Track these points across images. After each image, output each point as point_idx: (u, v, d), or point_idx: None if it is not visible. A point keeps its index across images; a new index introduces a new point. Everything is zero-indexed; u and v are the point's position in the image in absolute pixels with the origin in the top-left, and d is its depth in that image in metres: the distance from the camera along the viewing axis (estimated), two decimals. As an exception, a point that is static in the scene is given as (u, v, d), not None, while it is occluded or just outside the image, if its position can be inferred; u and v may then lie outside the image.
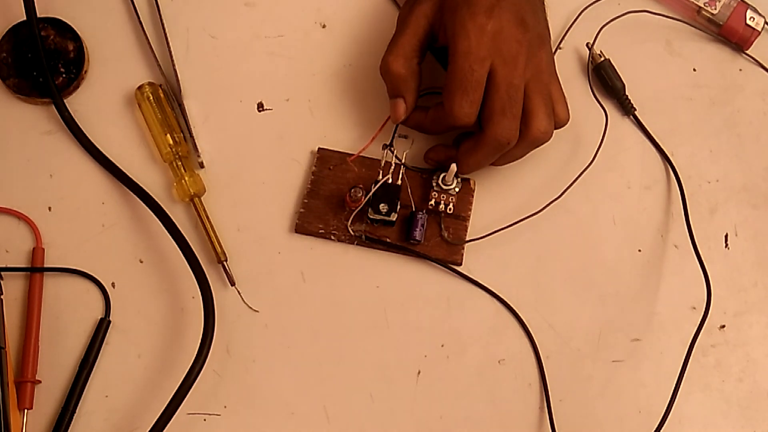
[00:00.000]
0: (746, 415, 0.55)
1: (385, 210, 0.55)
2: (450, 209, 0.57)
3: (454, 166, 0.55)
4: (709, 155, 0.60)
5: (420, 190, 0.57)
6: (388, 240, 0.57)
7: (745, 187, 0.59)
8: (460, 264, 0.57)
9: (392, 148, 0.57)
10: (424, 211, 0.56)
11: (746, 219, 0.59)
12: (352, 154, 0.57)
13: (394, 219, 0.56)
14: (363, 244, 0.57)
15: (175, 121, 0.58)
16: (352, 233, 0.56)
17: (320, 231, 0.57)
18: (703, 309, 0.55)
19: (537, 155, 0.58)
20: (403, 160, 0.57)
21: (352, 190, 0.55)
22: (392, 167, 0.56)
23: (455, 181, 0.56)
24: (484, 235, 0.56)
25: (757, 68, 0.62)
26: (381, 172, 0.56)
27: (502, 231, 0.56)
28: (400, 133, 0.58)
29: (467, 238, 0.57)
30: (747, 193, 0.59)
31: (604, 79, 0.60)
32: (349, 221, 0.56)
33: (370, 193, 0.55)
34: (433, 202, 0.56)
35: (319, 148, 0.58)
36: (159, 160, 0.58)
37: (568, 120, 0.55)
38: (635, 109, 0.60)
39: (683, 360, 0.54)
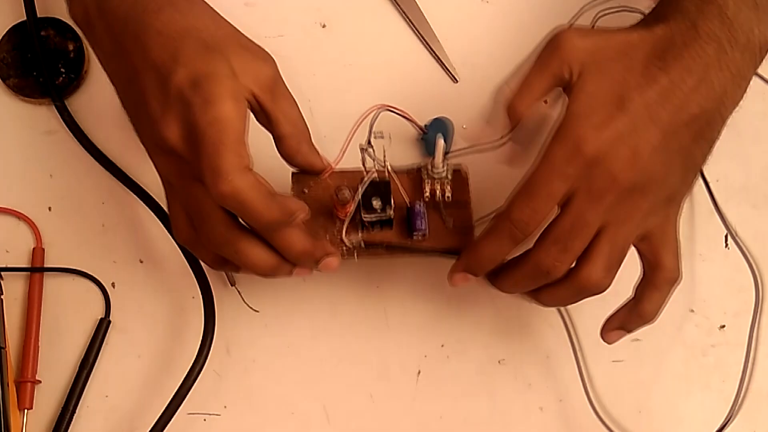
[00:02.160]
0: (746, 415, 0.55)
1: (379, 206, 0.50)
2: (448, 197, 0.52)
3: (441, 142, 0.51)
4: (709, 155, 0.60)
5: (411, 188, 0.53)
6: (390, 243, 0.52)
7: (745, 187, 0.59)
8: None
9: (370, 147, 0.52)
10: (422, 203, 0.52)
11: (746, 219, 0.59)
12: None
13: (392, 215, 0.51)
14: (364, 254, 0.52)
15: (175, 121, 0.58)
16: (349, 245, 0.51)
17: None
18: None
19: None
20: (384, 161, 0.52)
21: (338, 191, 0.50)
22: (375, 165, 0.52)
23: (445, 166, 0.52)
24: (489, 213, 0.53)
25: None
26: (365, 171, 0.51)
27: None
28: (375, 133, 0.52)
29: (474, 221, 0.53)
30: (747, 193, 0.59)
31: None
32: (343, 232, 0.51)
33: (359, 194, 0.50)
34: (428, 191, 0.52)
35: (292, 173, 0.53)
36: (159, 160, 0.58)
37: (674, 281, 0.49)
38: None
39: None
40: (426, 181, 0.53)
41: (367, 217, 0.51)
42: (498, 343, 0.56)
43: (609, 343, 0.51)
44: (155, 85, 0.45)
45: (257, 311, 0.56)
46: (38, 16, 0.59)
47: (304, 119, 0.50)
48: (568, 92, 0.47)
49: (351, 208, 0.51)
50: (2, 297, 0.55)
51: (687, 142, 0.46)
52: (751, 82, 0.61)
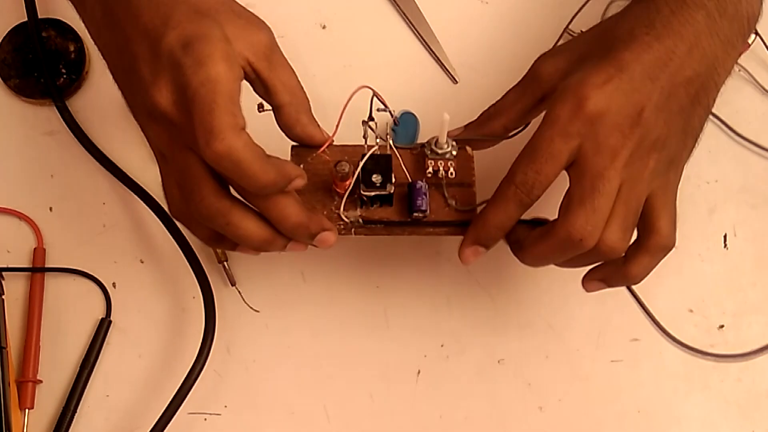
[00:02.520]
0: (745, 415, 0.55)
1: (378, 181, 0.48)
2: (452, 174, 0.50)
3: (446, 116, 0.48)
4: (708, 155, 0.60)
5: (413, 165, 0.50)
6: (389, 220, 0.50)
7: (744, 187, 0.59)
8: None
9: (372, 121, 0.49)
10: (424, 181, 0.49)
11: (745, 219, 0.59)
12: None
13: (392, 191, 0.48)
14: (361, 231, 0.49)
15: (176, 121, 0.58)
16: (346, 220, 0.49)
17: None
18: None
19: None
20: (387, 135, 0.50)
21: (338, 165, 0.47)
22: (377, 140, 0.49)
23: (450, 144, 0.50)
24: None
25: (756, 69, 0.62)
26: (366, 146, 0.49)
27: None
28: (378, 106, 0.49)
29: (478, 202, 0.50)
30: (746, 194, 0.59)
31: None
32: (341, 207, 0.49)
33: (358, 169, 0.48)
34: (431, 169, 0.50)
35: (292, 146, 0.51)
36: (160, 161, 0.59)
37: (668, 248, 0.47)
38: None
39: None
40: (429, 158, 0.50)
41: (366, 192, 0.49)
42: (497, 343, 0.56)
43: (587, 291, 0.50)
44: (146, 49, 0.43)
45: (257, 311, 0.56)
46: (39, 17, 0.59)
47: (303, 89, 0.49)
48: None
49: (350, 182, 0.49)
50: (3, 297, 0.55)
51: (685, 104, 0.46)
52: (749, 81, 0.62)
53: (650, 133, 0.45)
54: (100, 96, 0.60)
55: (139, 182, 0.57)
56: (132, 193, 0.57)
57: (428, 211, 0.49)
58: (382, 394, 0.55)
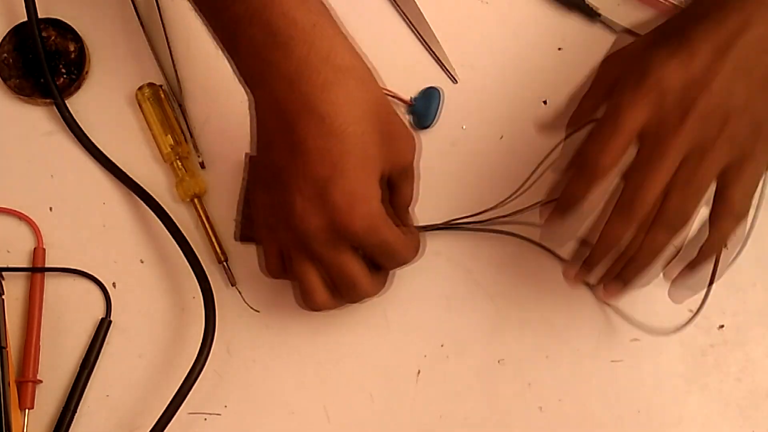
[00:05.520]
0: (745, 415, 0.55)
1: None
2: None
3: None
4: (708, 156, 0.60)
5: None
6: None
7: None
8: None
9: None
10: None
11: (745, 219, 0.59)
12: None
13: None
14: None
15: (176, 121, 0.59)
16: None
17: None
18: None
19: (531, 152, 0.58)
20: None
21: None
22: None
23: None
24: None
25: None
26: None
27: (500, 229, 0.57)
28: None
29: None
30: (746, 194, 0.59)
31: None
32: None
33: None
34: None
35: (246, 154, 0.57)
36: (160, 161, 0.59)
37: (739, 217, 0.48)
38: (599, 15, 0.60)
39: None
40: None
41: None
42: (498, 343, 0.56)
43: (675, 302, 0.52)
44: (310, 191, 0.47)
45: (258, 311, 0.56)
46: (39, 16, 0.59)
47: None
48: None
49: None
50: (3, 297, 0.55)
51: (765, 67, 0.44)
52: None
53: (721, 102, 0.44)
54: (100, 96, 0.60)
55: (139, 182, 0.57)
56: (132, 193, 0.57)
57: None
58: (382, 394, 0.55)
